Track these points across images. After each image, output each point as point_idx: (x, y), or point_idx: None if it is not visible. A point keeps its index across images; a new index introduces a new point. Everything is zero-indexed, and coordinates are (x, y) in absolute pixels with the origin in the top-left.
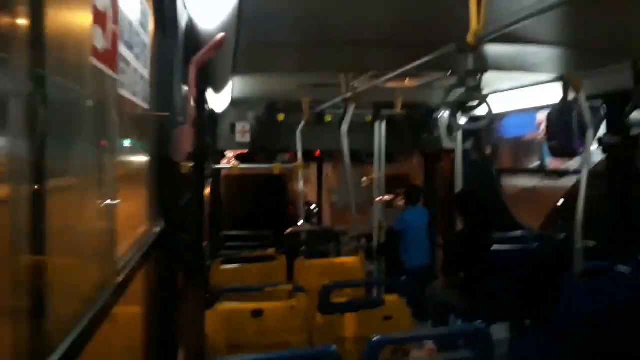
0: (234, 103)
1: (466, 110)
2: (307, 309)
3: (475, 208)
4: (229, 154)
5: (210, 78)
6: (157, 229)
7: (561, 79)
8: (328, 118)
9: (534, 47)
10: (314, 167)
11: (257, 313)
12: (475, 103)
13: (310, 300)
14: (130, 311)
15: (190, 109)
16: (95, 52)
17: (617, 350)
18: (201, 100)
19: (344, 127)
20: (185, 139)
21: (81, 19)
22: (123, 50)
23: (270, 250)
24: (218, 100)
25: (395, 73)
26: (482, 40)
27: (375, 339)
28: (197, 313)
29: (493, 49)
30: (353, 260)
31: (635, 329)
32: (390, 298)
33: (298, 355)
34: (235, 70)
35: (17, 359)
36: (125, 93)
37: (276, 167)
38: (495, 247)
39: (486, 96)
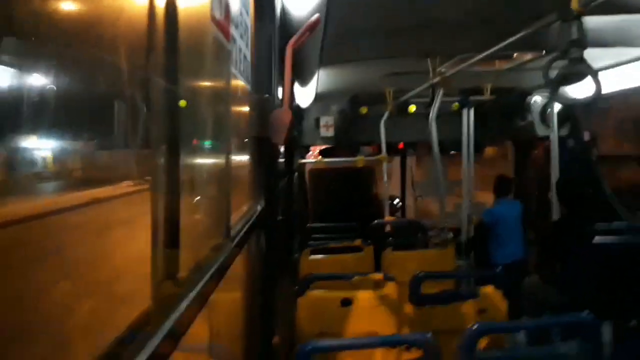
0: (318, 97)
1: (570, 82)
2: (397, 300)
3: (576, 197)
4: (313, 149)
5: (297, 71)
6: (259, 208)
7: None
8: (412, 108)
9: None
10: (397, 161)
11: (346, 302)
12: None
13: (399, 291)
14: (234, 287)
15: (287, 93)
16: (214, 19)
17: None
18: (290, 94)
19: (432, 114)
20: (283, 122)
21: None
22: (231, 27)
23: (357, 241)
24: (303, 95)
25: (486, 53)
26: (588, 4)
27: (473, 327)
28: (288, 300)
29: (594, 22)
30: (442, 253)
31: None
32: (486, 290)
33: (391, 341)
34: (322, 62)
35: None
36: (233, 70)
37: (360, 160)
38: (598, 239)
39: (593, 69)
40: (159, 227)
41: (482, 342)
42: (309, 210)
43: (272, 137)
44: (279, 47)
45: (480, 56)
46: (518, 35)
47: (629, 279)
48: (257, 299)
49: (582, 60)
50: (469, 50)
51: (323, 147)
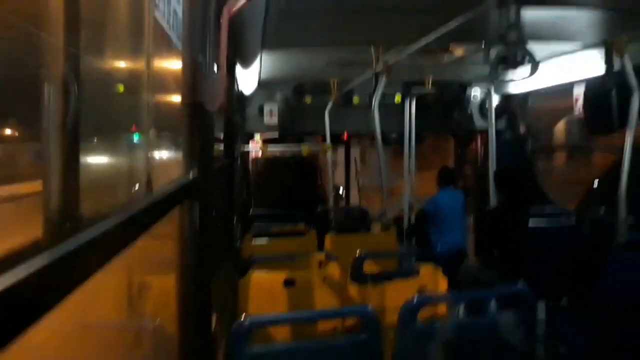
0: (262, 85)
1: (508, 66)
2: (339, 279)
3: (513, 185)
4: (258, 138)
5: (239, 51)
6: (190, 176)
7: (604, 43)
8: (356, 100)
9: (574, 10)
10: (341, 152)
11: (289, 282)
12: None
13: (342, 273)
14: (163, 261)
15: (222, 57)
16: None
17: None
18: (231, 77)
19: (375, 102)
20: (218, 87)
21: None
22: None
23: (300, 226)
24: (246, 81)
25: (428, 40)
26: None
27: (413, 299)
28: (229, 282)
29: (530, 15)
30: (385, 236)
31: None
32: (426, 267)
33: (331, 314)
34: (264, 45)
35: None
36: (159, 16)
37: (305, 149)
38: (532, 224)
39: (529, 52)
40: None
41: (425, 315)
42: (253, 198)
43: (205, 103)
44: (215, 9)
45: (423, 43)
46: (458, 22)
47: (561, 261)
48: (191, 275)
49: (519, 43)
50: (411, 38)
51: (268, 136)
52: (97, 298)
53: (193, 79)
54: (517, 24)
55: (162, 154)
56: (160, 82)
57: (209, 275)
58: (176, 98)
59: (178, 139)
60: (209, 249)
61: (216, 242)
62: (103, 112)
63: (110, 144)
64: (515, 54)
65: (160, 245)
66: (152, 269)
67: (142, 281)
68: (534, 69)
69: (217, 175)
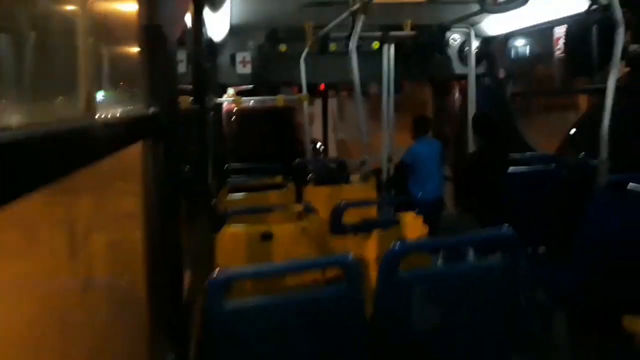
0: (233, 31)
1: None
2: (319, 231)
3: (491, 129)
4: (232, 90)
5: None
6: (150, 111)
7: None
8: (333, 47)
9: None
10: (319, 104)
11: (266, 236)
12: None
13: (322, 225)
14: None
15: None
16: None
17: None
18: (198, 18)
19: (352, 44)
20: (179, 12)
21: None
22: None
23: (278, 178)
24: (216, 26)
25: None
26: None
27: (395, 246)
28: (204, 237)
29: None
30: (364, 187)
31: None
32: (406, 216)
33: (310, 264)
34: None
35: None
36: None
37: (280, 100)
38: (511, 169)
39: None
40: None
41: (405, 267)
42: (228, 152)
43: (164, 28)
44: None
45: None
46: None
47: (541, 207)
48: (157, 226)
49: None
50: None
51: (242, 88)
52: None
53: (149, 4)
54: None
55: (111, 77)
56: None
57: (177, 227)
58: (132, 21)
59: (135, 70)
60: (176, 198)
61: (188, 194)
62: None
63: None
64: None
65: (120, 191)
66: (111, 218)
67: (99, 231)
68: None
69: (186, 120)
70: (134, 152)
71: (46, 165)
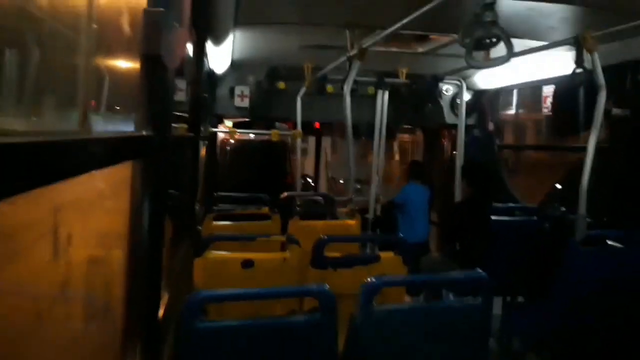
0: (234, 66)
1: (483, 47)
2: (300, 263)
3: (483, 178)
4: (228, 122)
5: (210, 26)
6: (143, 132)
7: (575, 39)
8: (330, 88)
9: (548, 4)
10: (312, 141)
11: (247, 263)
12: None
13: (303, 257)
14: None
15: (185, 11)
16: None
17: (617, 319)
18: (201, 50)
19: (347, 87)
20: (179, 43)
21: None
22: None
23: (265, 209)
24: (218, 59)
25: (403, 22)
26: None
27: (371, 281)
28: (185, 261)
29: (504, 8)
30: (350, 223)
31: (633, 299)
32: (386, 255)
33: (287, 292)
34: (237, 21)
35: None
36: None
37: (274, 134)
38: (494, 218)
39: (505, 32)
40: None
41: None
42: (219, 181)
43: (164, 57)
44: None
45: (398, 25)
46: (434, 3)
47: (521, 257)
48: (139, 247)
49: (495, 24)
50: (388, 22)
51: (239, 120)
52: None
53: (152, 31)
54: (492, 4)
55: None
56: (112, 25)
57: (160, 247)
58: (133, 50)
59: (133, 98)
60: (161, 219)
61: (174, 216)
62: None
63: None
64: (491, 35)
65: (106, 207)
66: (94, 232)
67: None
68: (509, 53)
69: (179, 146)
70: (124, 171)
71: (29, 170)
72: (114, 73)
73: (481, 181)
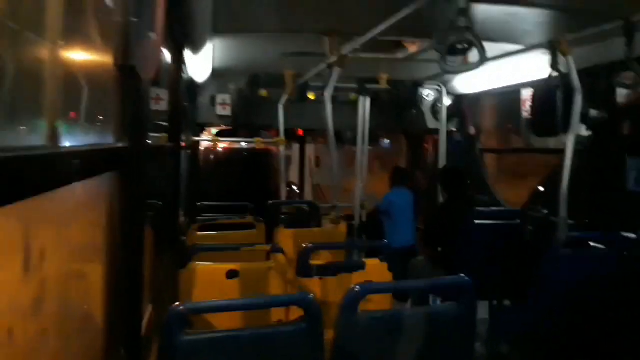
0: (215, 74)
1: (457, 53)
2: (285, 272)
3: (458, 182)
4: (212, 130)
5: (188, 34)
6: (119, 145)
7: (550, 43)
8: (312, 95)
9: (523, 9)
10: (296, 148)
11: (232, 274)
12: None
13: (289, 266)
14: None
15: (159, 21)
16: None
17: (597, 320)
18: (179, 59)
19: (328, 95)
20: (153, 53)
21: None
22: None
23: (249, 218)
24: (197, 68)
25: (382, 28)
26: None
27: (355, 288)
28: (170, 273)
29: (480, 12)
30: (334, 230)
31: (615, 301)
32: (372, 262)
33: (271, 302)
34: (216, 30)
35: None
36: None
37: (257, 142)
38: (477, 222)
39: (478, 37)
40: None
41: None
42: (202, 190)
43: (138, 68)
44: None
45: (377, 32)
46: (410, 9)
47: (504, 260)
48: (119, 260)
49: (468, 29)
50: (366, 29)
51: (222, 129)
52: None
53: (125, 41)
54: (466, 10)
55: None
56: (86, 36)
57: (140, 260)
58: (107, 60)
59: (107, 109)
60: (140, 231)
61: (156, 228)
62: None
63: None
64: (464, 40)
65: (83, 220)
66: (73, 246)
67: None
68: (482, 58)
69: (159, 157)
70: (101, 183)
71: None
72: (87, 84)
73: (455, 186)
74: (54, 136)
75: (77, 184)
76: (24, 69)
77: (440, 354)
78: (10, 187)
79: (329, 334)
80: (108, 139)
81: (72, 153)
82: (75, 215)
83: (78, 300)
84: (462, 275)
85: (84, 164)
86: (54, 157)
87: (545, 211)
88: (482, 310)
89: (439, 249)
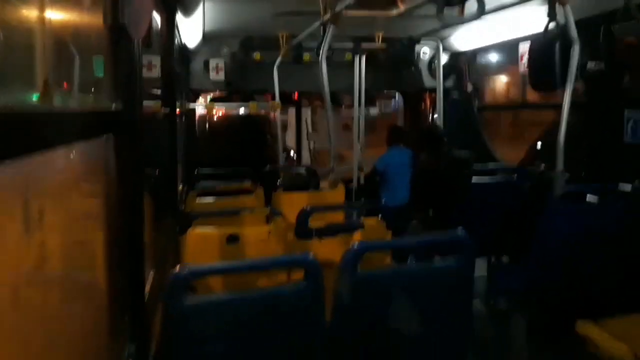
0: (207, 38)
1: (455, 3)
2: (284, 235)
3: (432, 143)
4: (206, 96)
5: None
6: (113, 107)
7: None
8: (307, 57)
9: None
10: (292, 112)
11: (232, 238)
12: None
13: (288, 229)
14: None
15: None
16: None
17: (595, 274)
18: (170, 23)
19: (322, 53)
20: (144, 13)
21: None
22: None
23: (247, 184)
24: (189, 32)
25: None
26: None
27: (354, 246)
28: (170, 238)
29: None
30: (333, 193)
31: (613, 253)
32: (370, 221)
33: (272, 263)
34: None
35: None
36: None
37: (252, 107)
38: (475, 179)
39: None
40: None
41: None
42: (200, 157)
43: (128, 27)
44: None
45: None
46: None
47: (502, 217)
48: (119, 224)
49: None
50: None
51: (216, 95)
52: None
53: (114, 1)
54: None
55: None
56: None
57: (140, 225)
58: (97, 20)
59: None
60: (139, 195)
61: (155, 194)
62: None
63: None
64: None
65: (81, 186)
66: (72, 212)
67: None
68: (480, 8)
69: (155, 123)
70: (97, 149)
71: None
72: (77, 45)
73: (434, 145)
74: (45, 97)
75: (73, 148)
76: (12, 30)
77: (439, 309)
78: (3, 144)
79: (329, 294)
80: (101, 103)
81: (65, 113)
82: (74, 179)
83: (80, 265)
84: (460, 227)
85: (78, 124)
86: (48, 116)
87: (543, 166)
88: (481, 268)
89: (430, 211)
